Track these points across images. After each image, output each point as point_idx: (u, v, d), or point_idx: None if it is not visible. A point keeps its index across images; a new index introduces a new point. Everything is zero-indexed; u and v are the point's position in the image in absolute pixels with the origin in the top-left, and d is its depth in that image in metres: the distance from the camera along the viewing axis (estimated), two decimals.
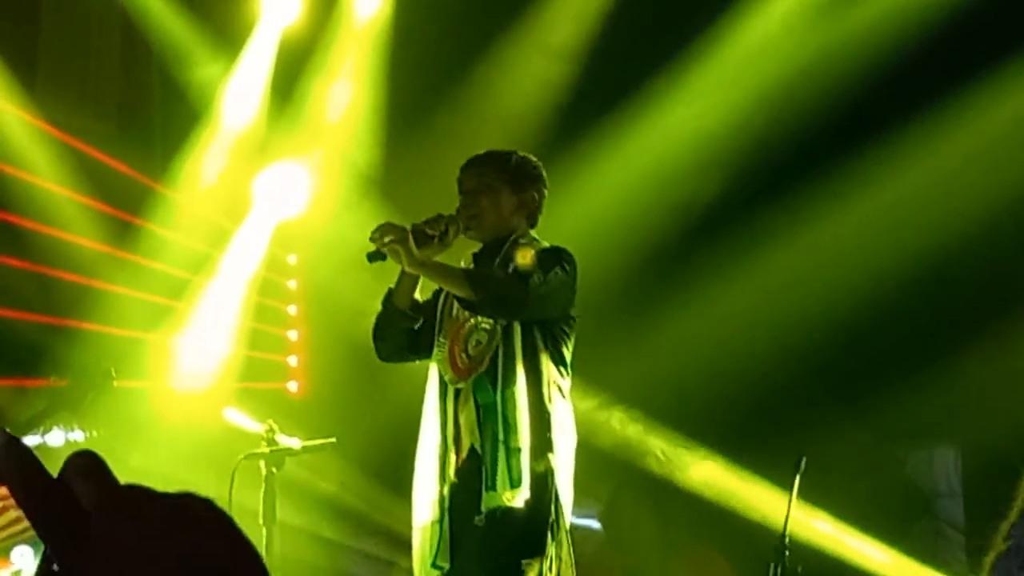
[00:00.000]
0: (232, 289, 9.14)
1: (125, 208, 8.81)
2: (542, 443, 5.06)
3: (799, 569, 6.94)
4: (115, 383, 7.15)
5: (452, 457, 5.13)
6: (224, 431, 7.49)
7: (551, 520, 5.04)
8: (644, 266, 8.89)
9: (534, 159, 5.44)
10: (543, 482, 5.05)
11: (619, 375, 8.45)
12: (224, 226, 9.23)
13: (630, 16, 9.07)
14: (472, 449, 5.09)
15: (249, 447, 6.51)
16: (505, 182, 5.29)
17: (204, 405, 8.40)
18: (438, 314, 5.30)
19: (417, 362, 5.41)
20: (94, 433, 7.64)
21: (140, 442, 8.29)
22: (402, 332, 5.31)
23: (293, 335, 9.63)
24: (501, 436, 5.02)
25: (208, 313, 9.01)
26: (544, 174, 5.42)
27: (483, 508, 5.00)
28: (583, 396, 7.16)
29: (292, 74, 9.32)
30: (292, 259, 9.65)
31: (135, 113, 9.48)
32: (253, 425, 6.98)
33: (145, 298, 8.72)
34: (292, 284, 9.67)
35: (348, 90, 9.41)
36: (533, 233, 5.36)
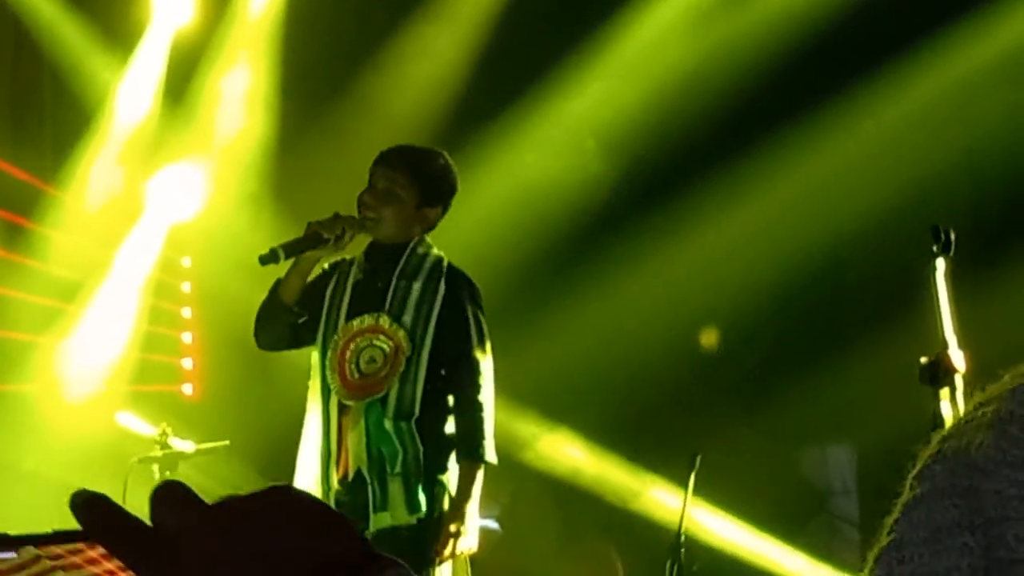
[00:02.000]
0: (125, 292, 9.05)
1: (15, 210, 8.69)
2: (438, 467, 5.05)
3: (695, 567, 6.99)
4: None
5: (335, 468, 5.08)
6: (118, 435, 7.43)
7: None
8: (538, 264, 8.90)
9: (454, 170, 5.30)
10: (437, 499, 5.04)
11: (514, 373, 8.44)
12: (117, 228, 9.13)
13: (525, 12, 9.09)
14: (359, 471, 5.04)
15: (143, 451, 6.50)
16: (415, 194, 5.16)
17: (98, 409, 8.31)
18: (325, 314, 5.23)
19: (310, 363, 5.33)
20: None
21: (33, 447, 8.19)
22: (284, 325, 5.23)
23: (187, 337, 9.55)
24: (398, 467, 4.96)
25: (100, 316, 8.91)
26: (456, 186, 5.30)
27: (372, 527, 4.96)
28: None
29: (185, 74, 9.25)
30: (186, 261, 9.57)
31: (25, 114, 9.36)
32: (147, 429, 6.94)
33: (36, 301, 8.61)
34: (186, 287, 9.58)
35: (242, 90, 9.35)
36: (428, 239, 5.31)
